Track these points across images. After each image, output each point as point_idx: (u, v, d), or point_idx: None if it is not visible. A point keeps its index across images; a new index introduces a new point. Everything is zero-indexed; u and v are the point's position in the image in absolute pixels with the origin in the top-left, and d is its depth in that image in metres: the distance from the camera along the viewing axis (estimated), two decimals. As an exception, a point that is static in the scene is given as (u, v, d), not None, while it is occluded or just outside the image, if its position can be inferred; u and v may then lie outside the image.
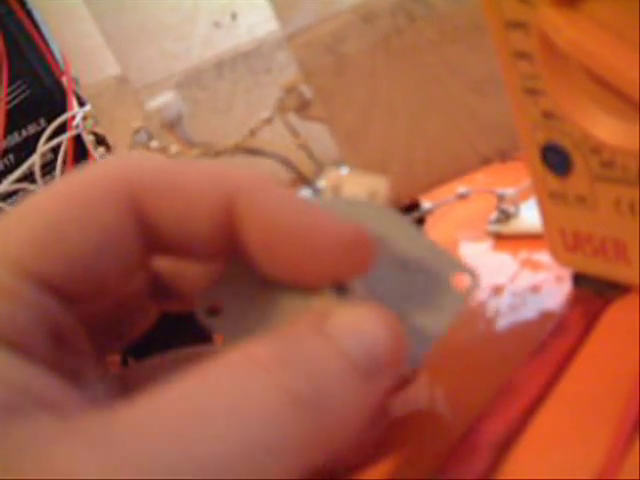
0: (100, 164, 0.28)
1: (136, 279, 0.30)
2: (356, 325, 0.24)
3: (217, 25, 0.48)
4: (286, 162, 0.35)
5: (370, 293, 0.28)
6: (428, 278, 0.28)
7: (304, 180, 0.32)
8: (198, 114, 0.48)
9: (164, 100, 0.42)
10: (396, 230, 0.29)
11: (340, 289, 0.27)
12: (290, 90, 0.39)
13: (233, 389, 0.21)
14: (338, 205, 0.29)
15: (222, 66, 0.48)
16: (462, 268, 0.28)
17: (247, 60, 0.48)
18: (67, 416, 0.21)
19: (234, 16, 0.48)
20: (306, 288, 0.27)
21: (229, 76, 0.48)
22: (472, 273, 0.28)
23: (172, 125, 0.41)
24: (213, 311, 0.28)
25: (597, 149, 0.31)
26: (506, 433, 0.31)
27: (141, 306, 0.32)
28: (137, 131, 0.49)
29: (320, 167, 0.42)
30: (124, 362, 0.47)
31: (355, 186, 0.29)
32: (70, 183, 0.25)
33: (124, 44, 0.49)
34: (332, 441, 0.23)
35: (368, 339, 0.24)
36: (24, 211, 0.25)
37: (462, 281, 0.28)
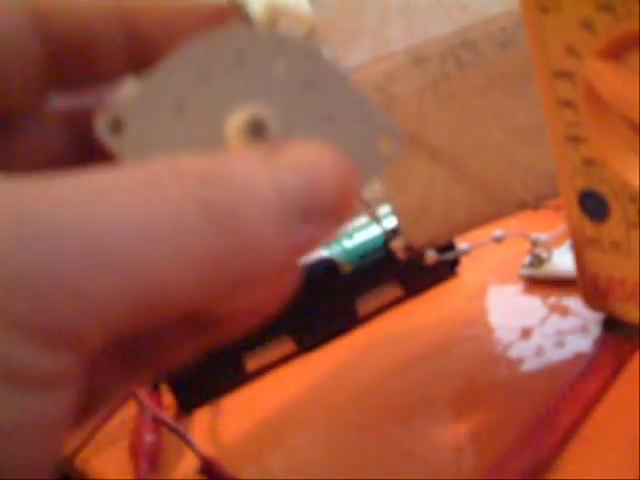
0: None
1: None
2: (303, 163, 0.21)
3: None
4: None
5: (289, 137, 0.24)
6: (352, 134, 0.25)
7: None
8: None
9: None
10: (328, 77, 0.25)
11: (257, 130, 0.24)
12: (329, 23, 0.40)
13: (145, 186, 0.19)
14: (268, 39, 0.25)
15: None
16: (390, 130, 0.25)
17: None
18: None
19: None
20: (223, 133, 0.24)
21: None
22: (399, 136, 0.24)
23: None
24: (116, 128, 0.25)
25: (635, 197, 0.32)
26: (535, 467, 0.32)
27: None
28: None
29: (365, 204, 0.43)
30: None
31: (293, 21, 0.27)
32: None
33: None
34: (243, 270, 0.20)
35: (315, 177, 0.21)
36: None
37: (388, 143, 0.25)
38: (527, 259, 0.49)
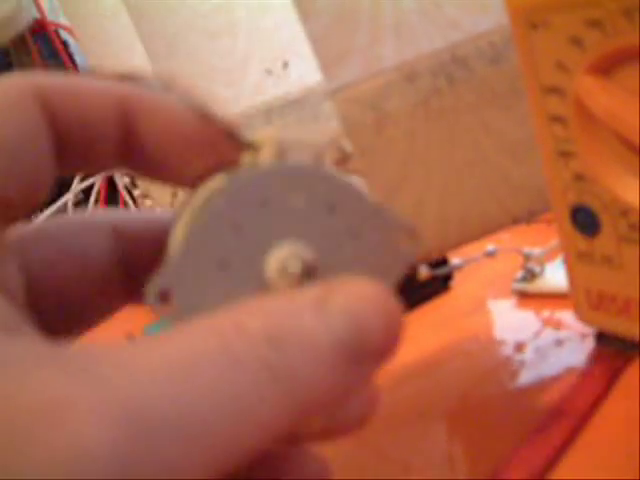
0: (6, 76, 0.26)
1: (106, 262, 0.29)
2: (352, 311, 0.23)
3: (268, 72, 0.49)
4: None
5: (332, 269, 0.26)
6: (375, 241, 0.26)
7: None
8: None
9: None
10: (343, 194, 0.26)
11: (296, 266, 0.25)
12: (331, 143, 0.40)
13: (218, 354, 0.21)
14: (281, 174, 0.26)
15: (271, 112, 0.49)
16: (407, 228, 0.26)
17: (296, 108, 0.49)
18: (33, 341, 0.21)
19: (285, 65, 0.50)
20: (265, 276, 0.25)
21: (277, 122, 0.49)
22: (416, 233, 0.26)
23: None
24: (164, 297, 0.25)
25: (625, 212, 0.32)
26: (529, 480, 0.32)
27: (105, 291, 0.30)
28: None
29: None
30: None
31: (299, 149, 0.26)
32: None
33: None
34: (305, 414, 0.22)
35: (364, 324, 0.23)
36: None
37: (406, 241, 0.27)
38: (520, 273, 0.49)
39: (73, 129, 0.26)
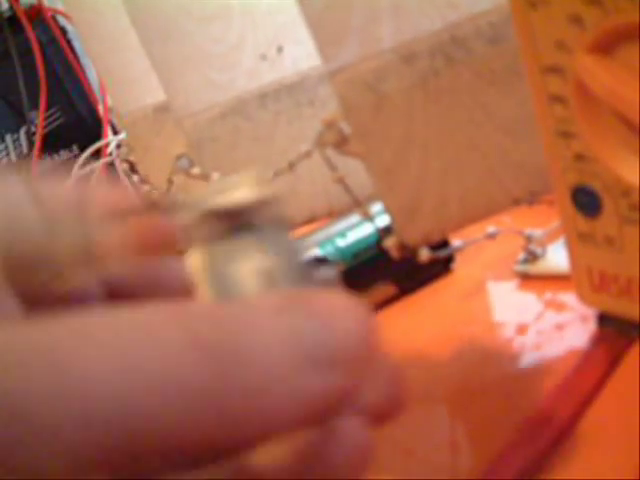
0: None
1: None
2: (322, 310, 0.21)
3: (263, 57, 0.49)
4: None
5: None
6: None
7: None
8: (239, 143, 0.49)
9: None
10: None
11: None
12: (330, 125, 0.40)
13: (138, 324, 0.19)
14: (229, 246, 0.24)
15: (266, 97, 0.49)
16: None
17: (290, 92, 0.49)
18: None
19: (280, 49, 0.49)
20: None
21: (272, 107, 0.49)
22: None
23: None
24: None
25: (627, 192, 0.32)
26: (533, 464, 0.32)
27: None
28: (179, 157, 0.51)
29: (356, 202, 0.43)
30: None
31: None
32: None
33: (170, 72, 0.50)
34: (249, 416, 0.19)
35: (331, 327, 0.21)
36: None
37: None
38: (521, 255, 0.49)
39: None
